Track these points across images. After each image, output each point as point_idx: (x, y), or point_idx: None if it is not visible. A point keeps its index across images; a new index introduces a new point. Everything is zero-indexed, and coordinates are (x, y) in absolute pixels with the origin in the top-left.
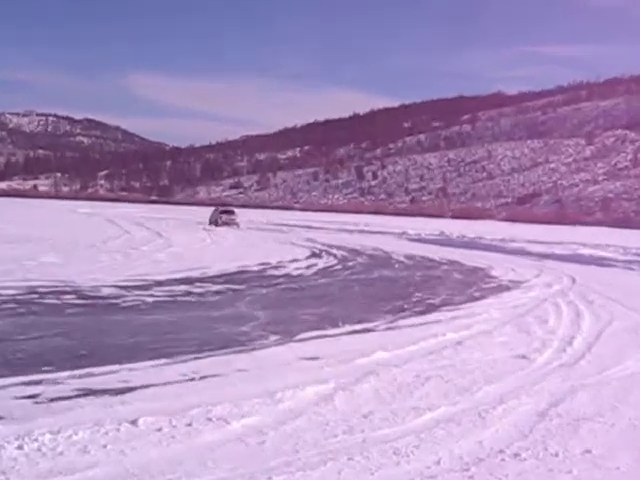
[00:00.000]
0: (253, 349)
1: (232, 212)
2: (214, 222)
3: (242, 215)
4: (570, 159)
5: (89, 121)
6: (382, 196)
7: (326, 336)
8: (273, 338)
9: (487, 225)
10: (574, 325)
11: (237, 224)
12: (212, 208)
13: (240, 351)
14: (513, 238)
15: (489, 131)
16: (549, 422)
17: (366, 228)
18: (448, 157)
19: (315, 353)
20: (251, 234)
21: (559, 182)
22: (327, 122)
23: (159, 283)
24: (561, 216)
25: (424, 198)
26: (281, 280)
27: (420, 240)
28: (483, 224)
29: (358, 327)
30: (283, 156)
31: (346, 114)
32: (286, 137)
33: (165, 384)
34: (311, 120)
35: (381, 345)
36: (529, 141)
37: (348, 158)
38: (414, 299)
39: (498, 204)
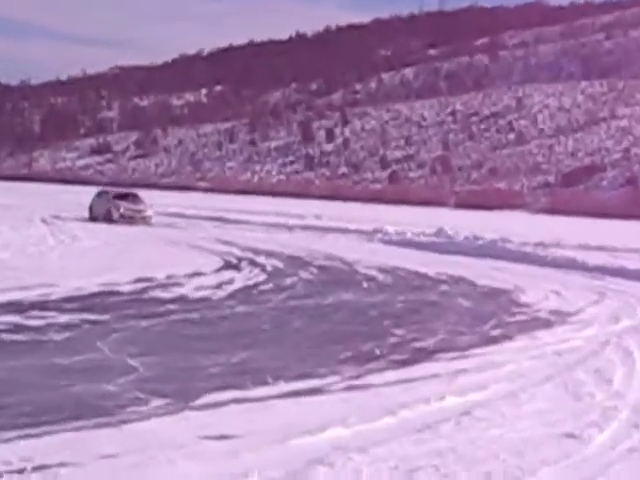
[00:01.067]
0: (125, 421)
1: (136, 197)
2: (105, 216)
3: None
4: None
5: None
6: (343, 170)
7: (246, 400)
8: (158, 403)
9: (515, 219)
10: None
11: (147, 218)
12: (91, 190)
13: (103, 424)
14: (557, 241)
15: (519, 65)
16: None
17: (316, 222)
18: (453, 107)
19: (227, 429)
20: (123, 231)
21: (633, 150)
22: (252, 47)
23: None
24: (637, 204)
25: (412, 174)
26: (172, 307)
27: (405, 243)
28: (508, 217)
29: (300, 385)
30: (179, 102)
31: (284, 34)
32: (184, 70)
33: None
34: (225, 43)
35: (337, 416)
36: (585, 83)
37: (287, 107)
38: (393, 340)
39: (533, 185)
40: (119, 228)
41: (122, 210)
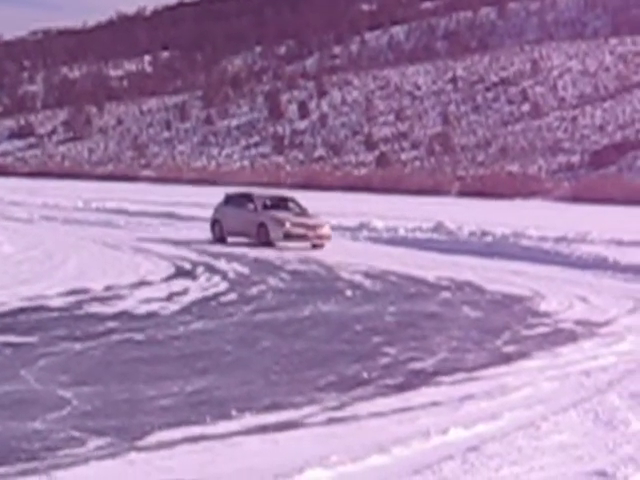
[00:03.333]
0: (56, 466)
1: (298, 205)
2: (256, 234)
3: (33, 193)
4: None
5: None
6: (320, 152)
7: (204, 438)
8: (96, 443)
9: (531, 209)
10: None
11: (324, 238)
12: (10, 183)
13: (30, 471)
14: (583, 236)
15: (534, 20)
16: None
17: None
18: (453, 73)
19: (180, 473)
20: (50, 230)
21: None
22: (206, 3)
23: None
24: None
25: (404, 156)
26: (112, 325)
27: (397, 241)
28: (523, 207)
29: (270, 418)
30: (117, 72)
31: None
32: (122, 34)
33: None
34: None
35: (316, 455)
36: (614, 40)
37: (250, 76)
38: (384, 361)
39: (553, 167)
40: (42, 229)
41: (288, 226)
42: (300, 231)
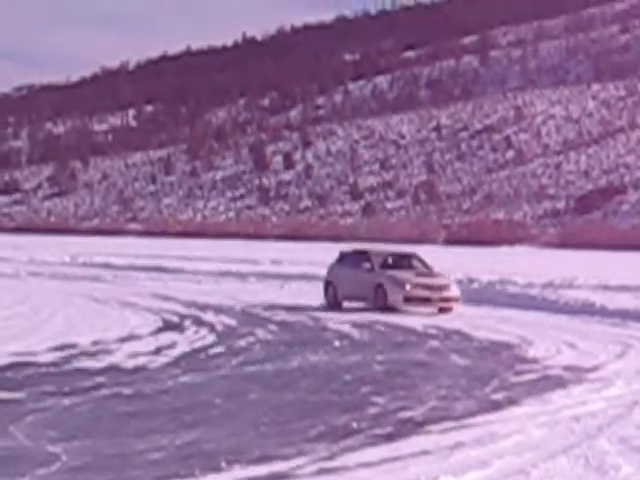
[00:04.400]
0: None
1: (421, 262)
2: (373, 297)
3: (19, 248)
4: None
5: None
6: (305, 203)
7: None
8: None
9: (517, 256)
10: None
11: (453, 301)
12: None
13: None
14: (570, 281)
15: (516, 67)
16: None
17: (275, 268)
18: (437, 122)
19: None
20: (37, 286)
21: None
22: (189, 56)
23: None
24: None
25: (390, 205)
26: (101, 380)
27: None
28: (509, 254)
29: (260, 470)
30: (101, 127)
31: (228, 39)
32: (107, 88)
33: None
34: (155, 53)
35: None
36: (596, 86)
37: (234, 128)
38: (373, 411)
39: (539, 213)
40: (29, 285)
41: (409, 288)
42: (423, 293)
